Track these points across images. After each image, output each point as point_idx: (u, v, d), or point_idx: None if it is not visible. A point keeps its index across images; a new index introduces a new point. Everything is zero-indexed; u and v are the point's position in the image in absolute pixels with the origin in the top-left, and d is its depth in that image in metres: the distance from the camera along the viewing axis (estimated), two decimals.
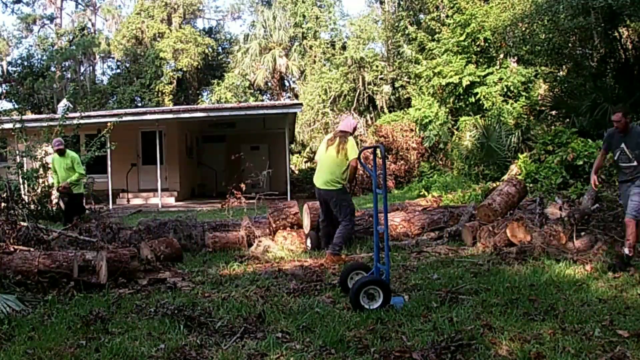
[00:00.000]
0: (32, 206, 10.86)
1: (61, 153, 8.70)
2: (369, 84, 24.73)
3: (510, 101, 17.81)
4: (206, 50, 31.60)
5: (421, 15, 24.71)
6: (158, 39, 31.38)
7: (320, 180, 6.09)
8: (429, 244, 6.81)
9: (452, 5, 19.40)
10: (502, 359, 3.03)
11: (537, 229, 6.14)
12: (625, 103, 13.57)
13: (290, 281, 4.97)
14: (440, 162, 19.56)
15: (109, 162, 14.77)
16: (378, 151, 4.70)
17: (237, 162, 20.95)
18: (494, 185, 10.63)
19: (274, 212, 7.31)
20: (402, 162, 19.64)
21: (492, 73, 18.26)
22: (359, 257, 6.11)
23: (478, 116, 17.71)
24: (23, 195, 11.00)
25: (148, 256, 5.60)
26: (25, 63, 33.07)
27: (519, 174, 11.63)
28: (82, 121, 12.65)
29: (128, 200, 16.62)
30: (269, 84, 31.83)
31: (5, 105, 30.75)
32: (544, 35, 15.11)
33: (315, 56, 29.18)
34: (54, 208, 11.32)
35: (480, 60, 18.83)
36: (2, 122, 12.75)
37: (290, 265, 5.81)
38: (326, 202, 6.15)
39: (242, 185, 8.53)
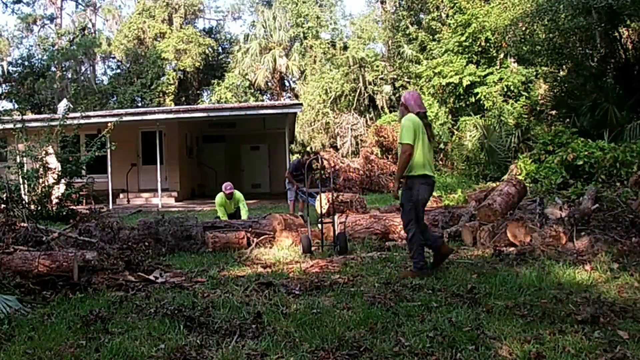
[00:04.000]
0: (32, 206, 10.86)
1: (230, 196, 9.27)
2: (370, 83, 24.73)
3: (511, 101, 17.82)
4: (207, 51, 31.62)
5: (421, 15, 24.72)
6: (159, 39, 31.40)
7: (431, 169, 5.07)
8: None
9: (452, 5, 19.40)
10: (502, 359, 3.03)
11: (537, 229, 6.13)
12: (626, 103, 13.61)
13: (290, 281, 4.97)
14: (441, 163, 19.57)
15: (109, 162, 14.77)
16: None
17: (237, 162, 21.01)
18: (494, 185, 10.63)
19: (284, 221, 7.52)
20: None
21: (492, 73, 18.27)
22: (360, 255, 6.11)
23: (478, 116, 17.72)
24: (23, 196, 11.00)
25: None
26: (26, 63, 33.09)
27: (519, 174, 11.63)
28: (82, 121, 12.65)
29: (128, 201, 16.62)
30: (269, 84, 31.84)
31: (6, 105, 30.81)
32: (544, 35, 15.13)
33: (315, 56, 29.18)
34: (54, 208, 11.33)
35: (481, 60, 18.84)
36: (3, 122, 12.76)
37: (291, 266, 5.81)
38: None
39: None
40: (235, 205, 9.38)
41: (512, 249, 5.99)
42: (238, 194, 9.42)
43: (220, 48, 35.11)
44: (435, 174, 5.24)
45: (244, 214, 9.21)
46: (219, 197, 9.31)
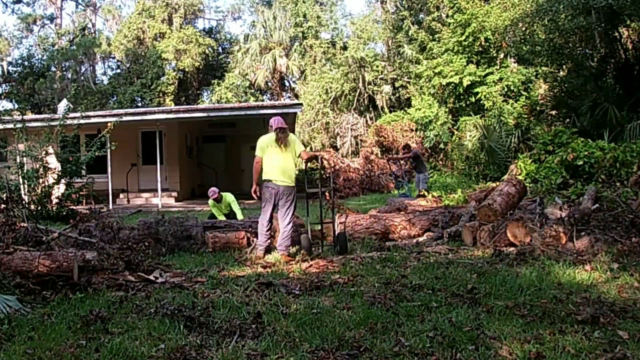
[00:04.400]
0: (32, 206, 10.86)
1: (217, 200, 9.65)
2: (369, 83, 24.73)
3: (511, 101, 17.83)
4: (207, 51, 31.62)
5: (421, 16, 24.74)
6: (159, 39, 31.40)
7: (277, 175, 6.34)
8: (429, 244, 6.81)
9: (452, 5, 19.40)
10: (502, 359, 3.03)
11: (537, 229, 6.14)
12: (626, 103, 13.61)
13: (290, 281, 4.97)
14: (441, 162, 19.58)
15: (109, 162, 14.76)
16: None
17: (237, 162, 21.00)
18: (494, 185, 10.63)
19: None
20: (402, 162, 19.63)
21: (492, 73, 18.27)
22: (360, 255, 6.11)
23: (478, 116, 17.74)
24: (23, 196, 10.99)
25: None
26: (26, 63, 33.09)
27: (519, 174, 11.63)
28: (82, 121, 12.64)
29: (128, 201, 16.62)
30: (269, 84, 31.84)
31: (6, 105, 30.82)
32: (544, 35, 15.15)
33: (315, 56, 29.18)
34: (54, 208, 11.32)
35: (481, 60, 18.85)
36: (3, 122, 12.75)
37: (291, 266, 5.81)
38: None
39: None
40: (226, 207, 9.75)
41: (512, 249, 5.99)
42: (229, 196, 9.80)
43: (220, 48, 35.10)
44: (285, 179, 6.29)
45: (238, 215, 9.45)
46: (210, 201, 9.83)
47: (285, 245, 6.25)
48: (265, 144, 6.39)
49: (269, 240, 6.42)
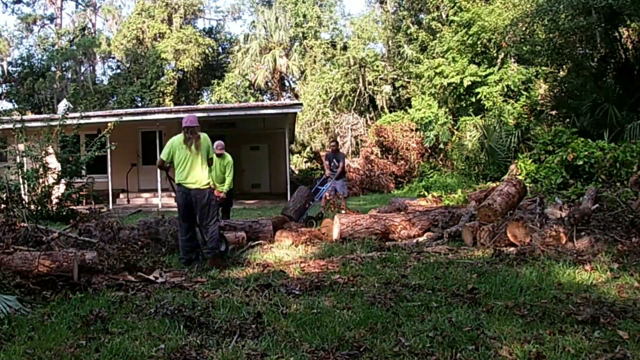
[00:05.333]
0: (32, 206, 10.86)
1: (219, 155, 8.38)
2: (370, 84, 24.71)
3: (511, 101, 17.82)
4: (206, 51, 31.60)
5: (422, 15, 24.72)
6: (159, 39, 31.39)
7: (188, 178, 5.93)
8: (429, 244, 6.81)
9: (452, 5, 19.39)
10: (502, 359, 3.03)
11: (537, 229, 6.13)
12: (626, 103, 13.61)
13: (290, 281, 4.96)
14: (441, 162, 19.57)
15: (109, 162, 14.77)
16: None
17: (237, 162, 20.99)
18: (494, 185, 10.63)
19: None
20: (402, 162, 19.65)
21: (492, 73, 18.25)
22: (360, 255, 6.11)
23: (478, 117, 17.73)
24: (23, 196, 10.99)
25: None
26: (26, 63, 33.07)
27: (519, 174, 11.63)
28: (82, 121, 12.64)
29: (128, 201, 16.62)
30: (269, 84, 31.83)
31: (6, 105, 30.79)
32: (544, 35, 15.15)
33: (315, 56, 29.17)
34: (54, 208, 11.33)
35: (482, 60, 18.83)
36: (3, 122, 12.75)
37: (290, 266, 5.81)
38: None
39: None
40: (222, 168, 8.51)
41: (512, 249, 5.99)
42: (229, 157, 8.58)
43: (220, 48, 35.06)
44: (196, 182, 5.87)
45: (228, 181, 8.47)
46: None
47: (210, 247, 5.82)
48: (175, 146, 6.00)
49: (192, 254, 5.91)
